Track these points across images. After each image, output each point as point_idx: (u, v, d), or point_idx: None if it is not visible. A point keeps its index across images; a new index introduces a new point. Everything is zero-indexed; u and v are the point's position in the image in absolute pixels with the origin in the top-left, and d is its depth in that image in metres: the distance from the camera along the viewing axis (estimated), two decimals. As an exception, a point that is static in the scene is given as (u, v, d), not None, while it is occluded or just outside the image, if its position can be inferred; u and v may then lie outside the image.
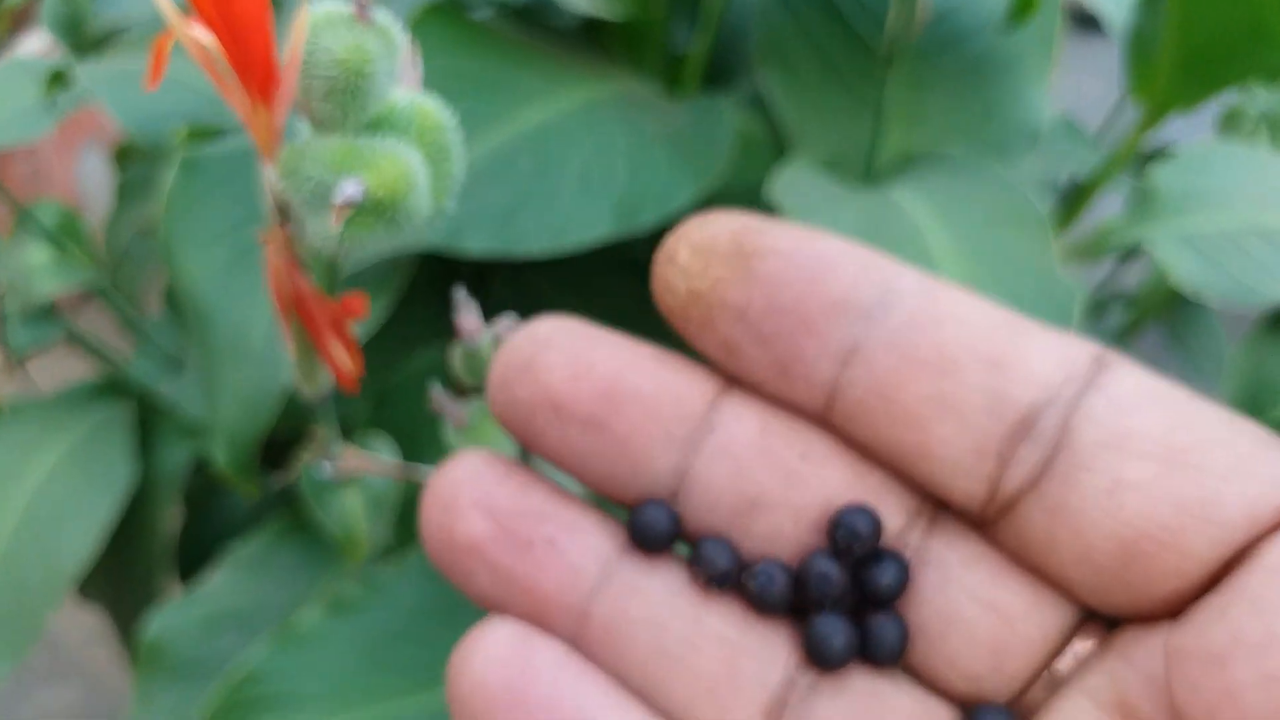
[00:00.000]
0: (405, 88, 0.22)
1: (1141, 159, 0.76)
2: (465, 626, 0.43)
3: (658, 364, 0.14)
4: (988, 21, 0.52)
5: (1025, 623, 0.13)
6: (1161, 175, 0.56)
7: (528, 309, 0.34)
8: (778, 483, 0.13)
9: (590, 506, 0.14)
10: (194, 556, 0.59)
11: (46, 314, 0.52)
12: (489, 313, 0.26)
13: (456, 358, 0.25)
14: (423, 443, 0.47)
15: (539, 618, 0.13)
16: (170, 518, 0.58)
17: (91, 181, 1.20)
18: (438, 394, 0.25)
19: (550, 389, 0.13)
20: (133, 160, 0.67)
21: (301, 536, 0.52)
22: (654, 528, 0.13)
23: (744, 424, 0.14)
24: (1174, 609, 0.12)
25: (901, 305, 0.13)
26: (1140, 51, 0.52)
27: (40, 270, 0.50)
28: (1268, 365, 0.57)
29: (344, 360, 0.24)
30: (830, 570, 0.13)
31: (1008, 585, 0.13)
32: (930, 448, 0.13)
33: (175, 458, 0.58)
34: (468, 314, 0.24)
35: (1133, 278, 0.74)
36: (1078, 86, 1.53)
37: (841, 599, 0.13)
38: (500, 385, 0.14)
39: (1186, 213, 0.57)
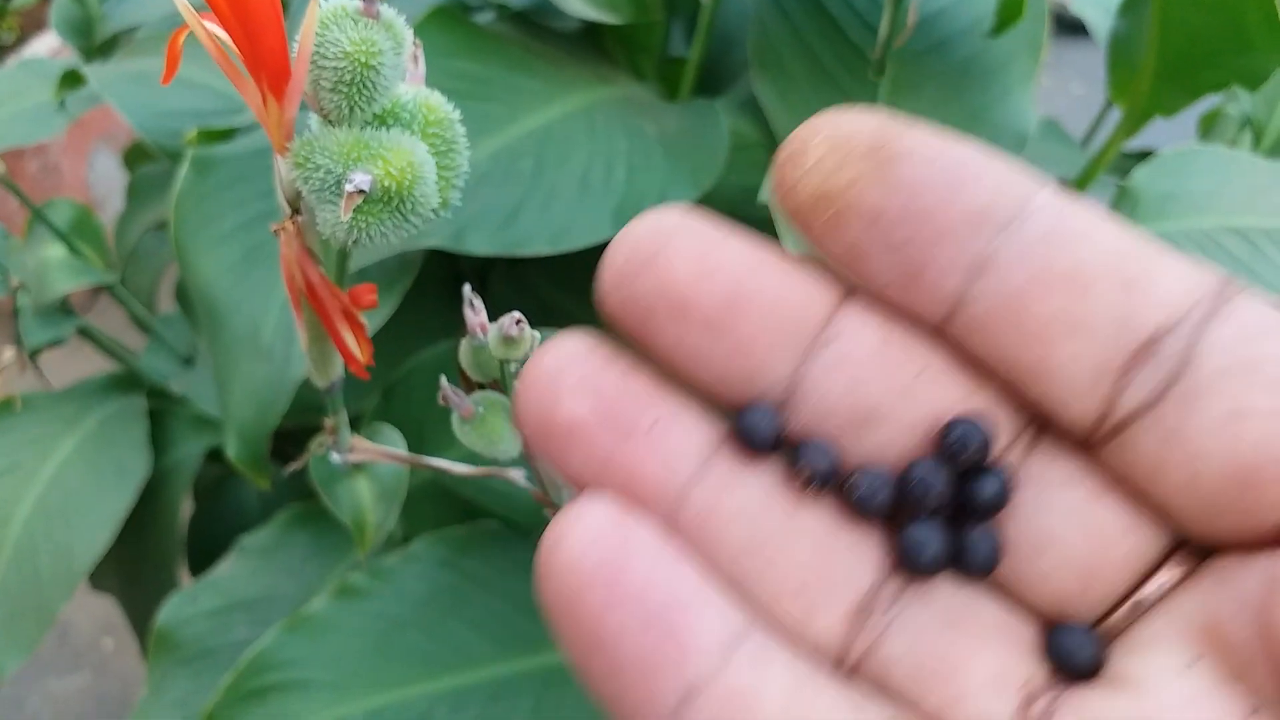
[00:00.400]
0: (410, 83, 0.22)
1: (1127, 161, 0.76)
2: (472, 616, 0.43)
3: (783, 268, 0.13)
4: (974, 27, 0.52)
5: (1119, 546, 0.13)
6: (1143, 177, 0.56)
7: (527, 307, 0.34)
8: (893, 397, 0.13)
9: (692, 399, 0.14)
10: (205, 548, 0.59)
11: (60, 311, 0.52)
12: (490, 310, 0.26)
13: (464, 353, 0.25)
14: (431, 435, 0.47)
15: (636, 501, 0.13)
16: (182, 510, 0.58)
17: (103, 180, 1.20)
18: (446, 387, 0.25)
19: (675, 286, 0.13)
20: (143, 159, 0.67)
21: (312, 527, 0.52)
22: (759, 430, 0.13)
23: (864, 335, 0.13)
24: (1278, 539, 0.12)
25: (1038, 220, 0.12)
26: (1122, 57, 0.52)
27: (55, 267, 0.50)
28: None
29: (355, 348, 0.24)
30: (932, 478, 0.13)
31: (1106, 507, 0.13)
32: (1051, 365, 0.12)
33: (187, 451, 0.58)
34: (476, 312, 0.24)
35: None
36: (1065, 90, 1.53)
37: (941, 507, 0.13)
38: (618, 279, 0.13)
39: (1168, 214, 0.57)
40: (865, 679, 0.13)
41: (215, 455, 0.57)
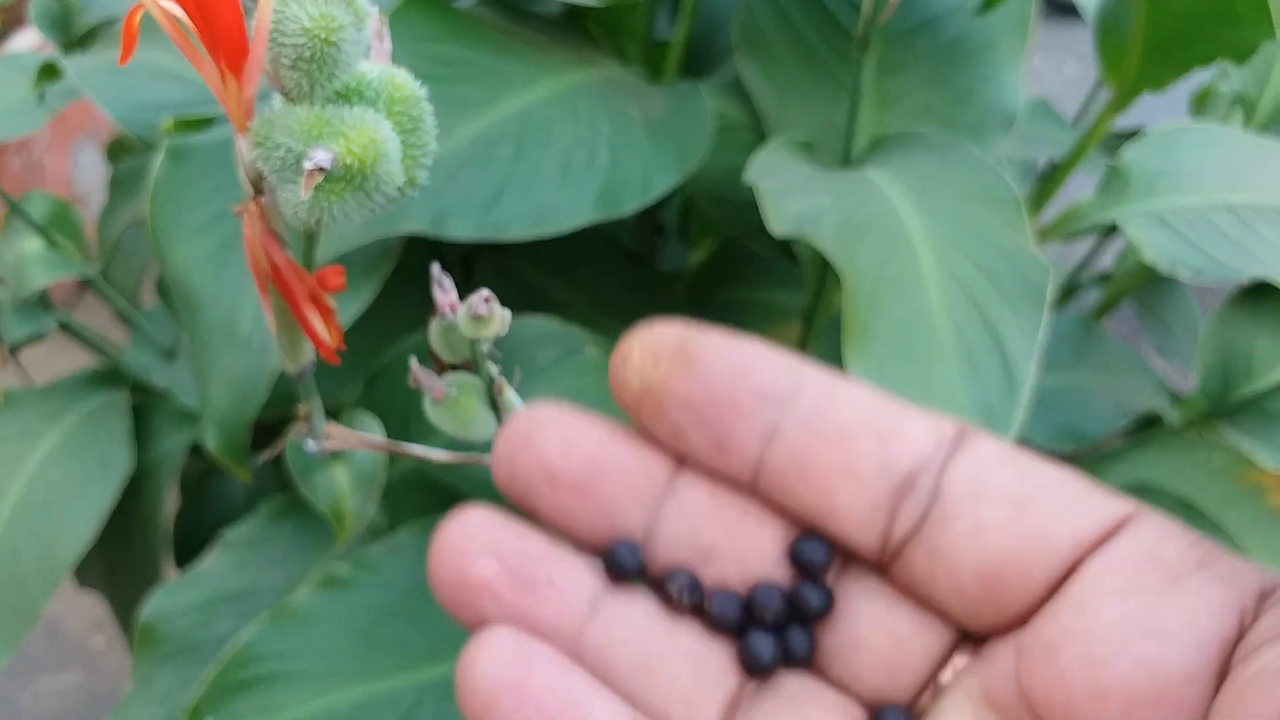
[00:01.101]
0: (376, 60, 0.22)
1: (1118, 140, 0.76)
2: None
3: (630, 441, 0.16)
4: (962, 5, 0.51)
5: (913, 643, 0.16)
6: (1133, 155, 0.56)
7: (512, 292, 0.34)
8: (724, 537, 0.16)
9: (575, 550, 0.16)
10: (190, 541, 0.59)
11: (40, 305, 0.52)
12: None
13: (434, 334, 0.25)
14: (412, 424, 0.47)
15: (538, 636, 0.16)
16: (167, 504, 0.58)
17: (87, 176, 1.19)
18: (416, 368, 0.24)
19: (548, 463, 0.16)
20: (126, 154, 0.67)
21: (295, 519, 0.51)
22: (625, 559, 0.16)
23: (698, 491, 0.16)
24: (1024, 619, 0.15)
25: (809, 392, 0.16)
26: (1110, 32, 0.52)
27: (32, 261, 0.49)
28: (1238, 339, 0.57)
29: (324, 332, 0.24)
30: (772, 594, 0.16)
31: (899, 615, 0.16)
32: (836, 507, 0.16)
33: (171, 445, 0.58)
34: (445, 291, 0.24)
35: (1110, 257, 0.74)
36: (1059, 71, 1.53)
37: (777, 620, 0.16)
38: (504, 458, 0.16)
39: (1158, 191, 0.57)
40: None
41: (200, 449, 0.57)
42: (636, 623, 0.16)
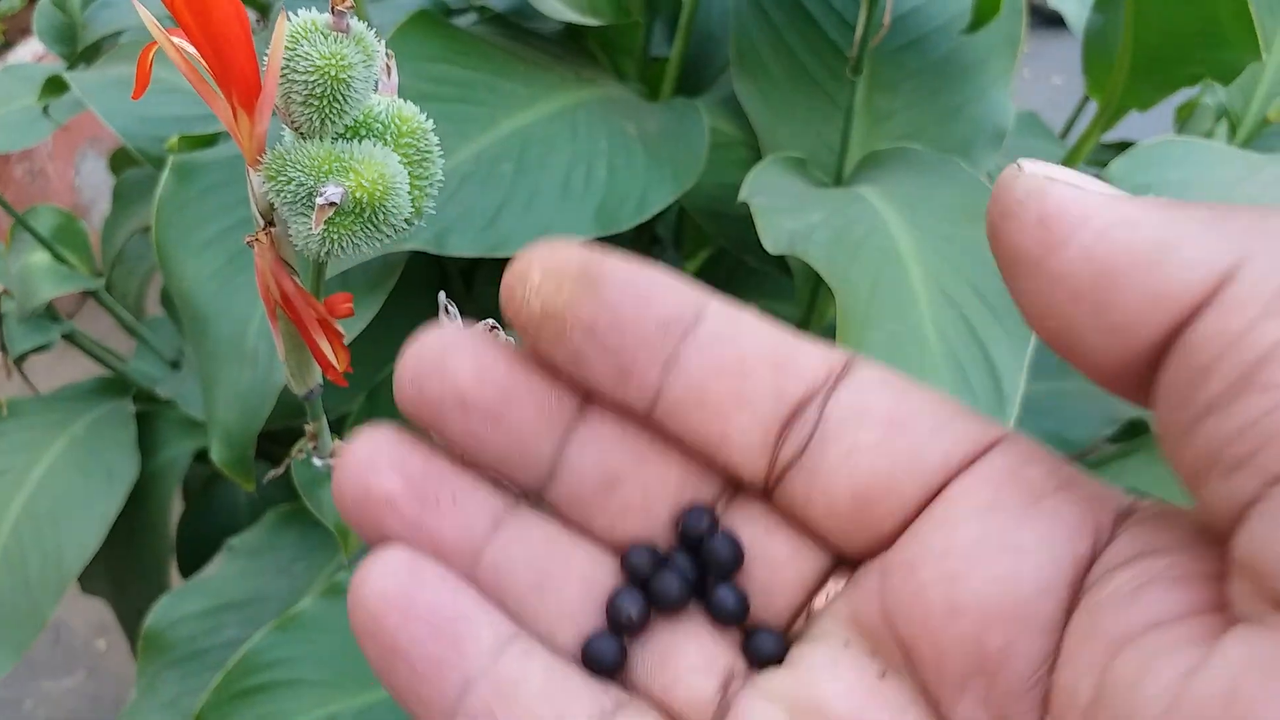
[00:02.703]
0: (384, 93, 0.22)
1: (1106, 151, 0.76)
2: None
3: (542, 370, 0.16)
4: (952, 24, 0.52)
5: (787, 568, 0.16)
6: (1120, 169, 0.57)
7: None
8: (631, 465, 0.16)
9: (481, 477, 0.16)
10: (195, 547, 0.59)
11: (46, 316, 0.52)
12: (476, 311, 0.26)
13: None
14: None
15: (439, 560, 0.16)
16: (171, 511, 0.58)
17: (90, 184, 1.19)
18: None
19: (459, 386, 0.16)
20: (129, 163, 0.67)
21: (300, 527, 0.52)
22: (606, 657, 0.16)
23: (605, 425, 0.16)
24: (891, 542, 0.15)
25: (711, 321, 0.16)
26: (1097, 51, 0.52)
27: (39, 273, 0.50)
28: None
29: (332, 356, 0.24)
30: (700, 516, 0.16)
31: (776, 541, 0.16)
32: (730, 435, 0.16)
33: (175, 452, 0.58)
34: (450, 318, 0.24)
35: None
36: (1047, 82, 1.53)
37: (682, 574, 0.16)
38: (411, 379, 0.16)
39: (1145, 205, 0.57)
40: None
41: (204, 456, 0.57)
42: (534, 544, 0.16)
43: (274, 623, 0.44)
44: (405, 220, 0.22)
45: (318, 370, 0.27)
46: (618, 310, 0.15)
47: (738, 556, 0.16)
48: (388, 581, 0.15)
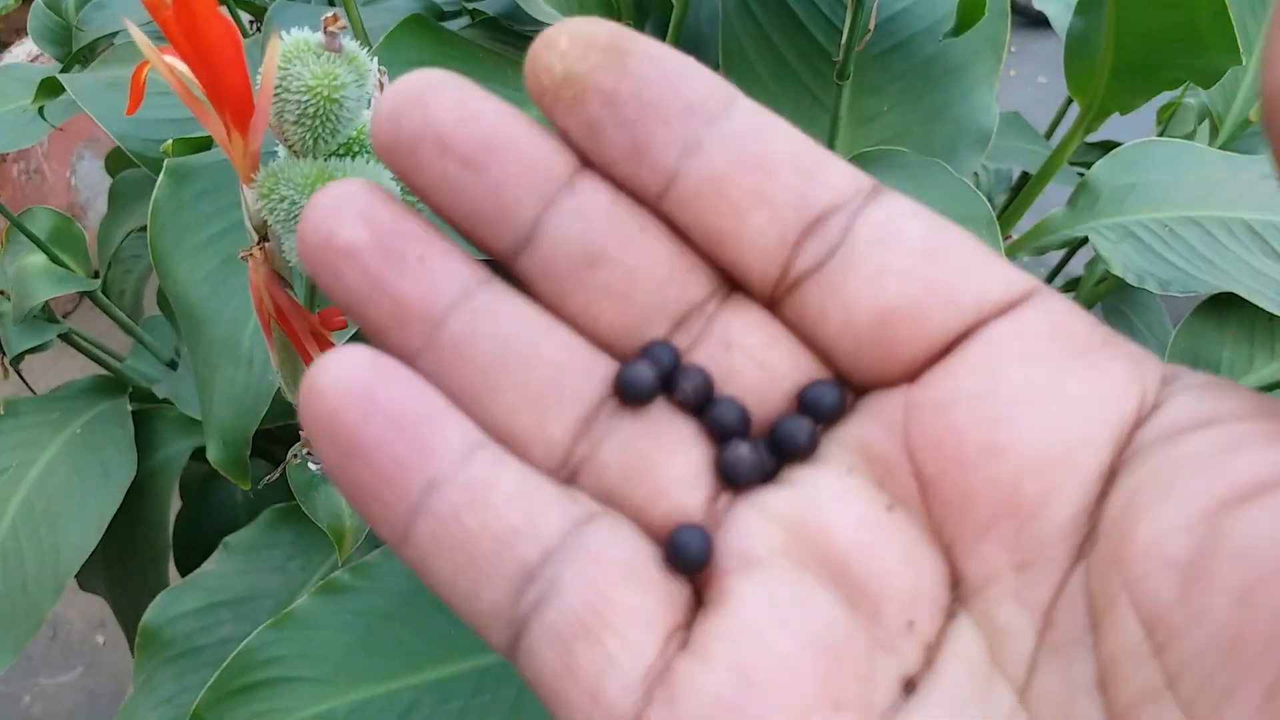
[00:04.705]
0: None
1: (1091, 149, 0.76)
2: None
3: (532, 127, 0.15)
4: (937, 27, 0.52)
5: (786, 381, 0.15)
6: (1103, 170, 0.57)
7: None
8: (617, 245, 0.15)
9: (454, 245, 0.15)
10: (192, 545, 0.59)
11: (43, 317, 0.51)
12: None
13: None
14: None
15: (397, 322, 0.14)
16: (169, 509, 0.58)
17: (88, 183, 1.19)
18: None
19: (438, 126, 0.14)
20: (126, 163, 0.67)
21: (296, 525, 0.52)
22: (640, 381, 0.14)
23: (597, 196, 0.15)
24: (912, 374, 0.14)
25: (738, 118, 0.15)
26: (1080, 55, 0.52)
27: (35, 275, 0.49)
28: (1204, 348, 0.58)
29: (324, 368, 0.24)
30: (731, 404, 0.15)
31: (777, 351, 0.15)
32: (743, 233, 0.15)
33: (173, 450, 0.58)
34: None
35: (1081, 260, 0.75)
36: (1032, 80, 1.53)
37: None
38: (388, 118, 0.14)
39: (1127, 207, 0.57)
40: (584, 484, 0.15)
41: (202, 454, 0.57)
42: (503, 321, 0.15)
43: (270, 621, 0.44)
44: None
45: (312, 379, 0.27)
46: (642, 84, 0.14)
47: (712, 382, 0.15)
48: (349, 374, 0.13)
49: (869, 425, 0.15)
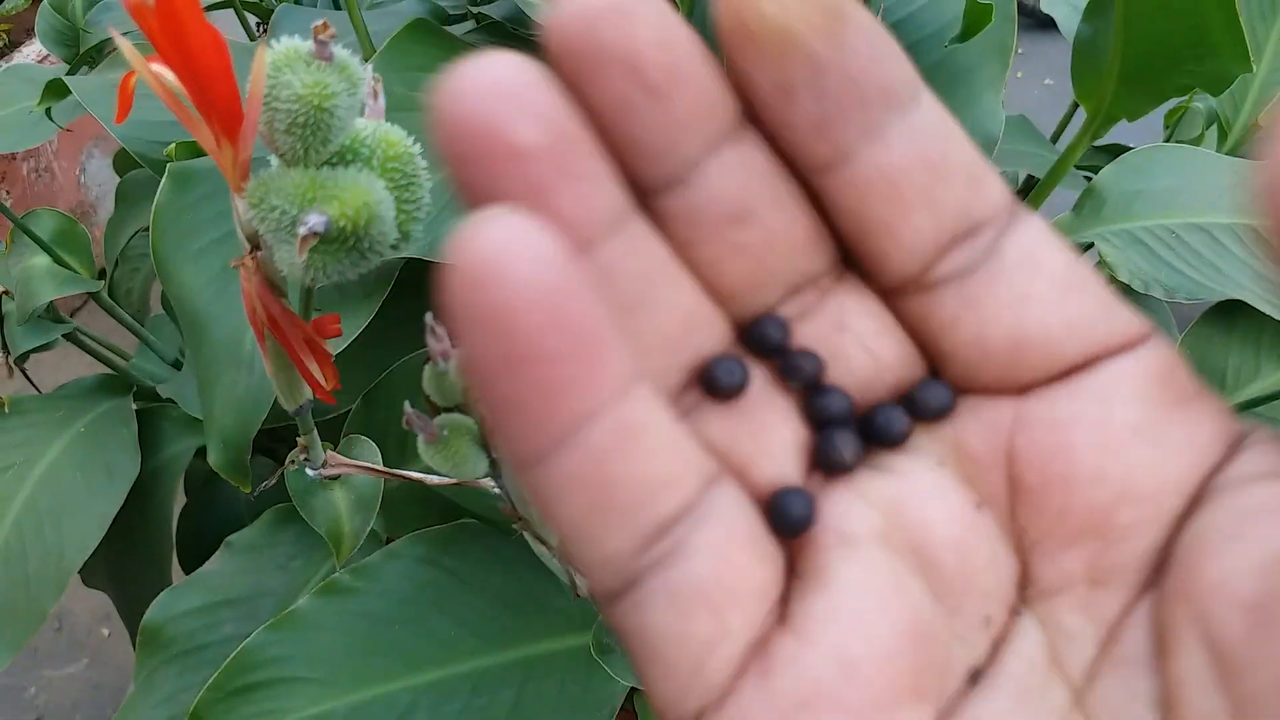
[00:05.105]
0: (370, 117, 0.22)
1: (1097, 153, 0.76)
2: (454, 611, 0.43)
3: (713, 64, 0.14)
4: (942, 32, 0.51)
5: (890, 373, 0.15)
6: (1109, 176, 0.56)
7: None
8: (767, 207, 0.15)
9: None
10: (195, 543, 0.59)
11: (48, 317, 0.51)
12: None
13: (427, 379, 0.25)
14: (410, 439, 0.47)
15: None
16: (173, 508, 0.58)
17: (96, 182, 1.19)
18: (410, 412, 0.25)
19: (637, 45, 0.13)
20: (134, 163, 0.67)
21: (298, 525, 0.52)
22: (730, 378, 0.15)
23: (759, 150, 0.15)
24: (1022, 390, 0.15)
25: (925, 113, 0.14)
26: (1087, 60, 0.52)
27: (39, 276, 0.49)
28: (1212, 355, 0.58)
29: (320, 377, 0.24)
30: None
31: (888, 343, 0.15)
32: (901, 230, 0.15)
33: (176, 449, 0.58)
34: (438, 339, 0.24)
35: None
36: (1040, 83, 1.52)
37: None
38: (580, 20, 0.13)
39: (1134, 212, 0.57)
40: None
41: (205, 453, 0.57)
42: (647, 258, 0.14)
43: (271, 621, 0.44)
44: (391, 245, 0.22)
45: (307, 387, 0.26)
46: (852, 57, 0.14)
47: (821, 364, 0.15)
48: (538, 269, 0.11)
49: (968, 425, 0.15)
